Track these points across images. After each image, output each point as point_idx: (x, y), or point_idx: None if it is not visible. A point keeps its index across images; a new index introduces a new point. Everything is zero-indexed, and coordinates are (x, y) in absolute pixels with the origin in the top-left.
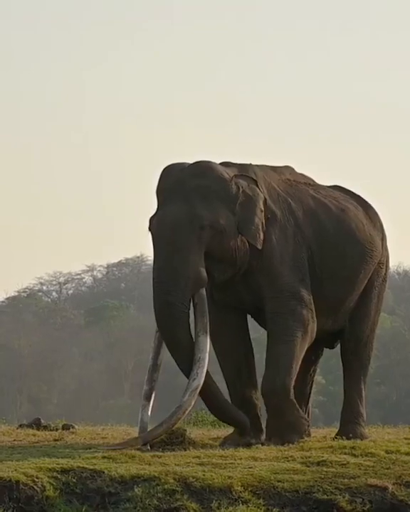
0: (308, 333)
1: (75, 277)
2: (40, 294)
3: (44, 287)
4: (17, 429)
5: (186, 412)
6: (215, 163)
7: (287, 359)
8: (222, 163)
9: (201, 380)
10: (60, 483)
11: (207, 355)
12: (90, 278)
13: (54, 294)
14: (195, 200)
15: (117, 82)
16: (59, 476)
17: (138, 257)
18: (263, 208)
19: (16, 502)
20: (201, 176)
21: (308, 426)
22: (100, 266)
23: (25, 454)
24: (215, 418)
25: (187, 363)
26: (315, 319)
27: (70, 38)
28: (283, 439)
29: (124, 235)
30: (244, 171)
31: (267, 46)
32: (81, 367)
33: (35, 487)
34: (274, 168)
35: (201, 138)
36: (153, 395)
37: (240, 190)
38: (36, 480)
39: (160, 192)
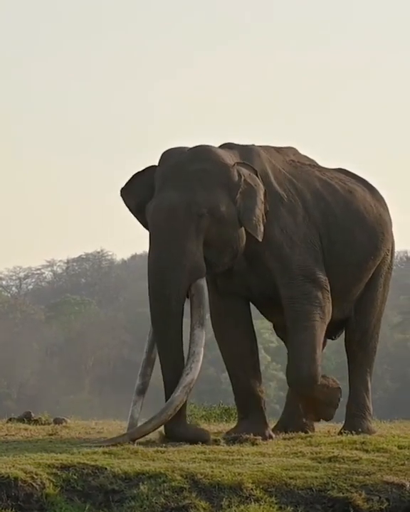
0: (326, 314)
1: (35, 272)
2: None
3: (4, 282)
4: (7, 422)
5: (177, 409)
6: (216, 148)
7: (309, 346)
8: (224, 145)
9: (194, 374)
10: (60, 480)
11: (202, 349)
12: (50, 273)
13: (14, 288)
14: (194, 185)
15: (107, 71)
16: (59, 472)
17: (98, 252)
18: (263, 200)
19: (14, 500)
20: (200, 160)
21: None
22: (60, 261)
23: (21, 449)
24: (205, 412)
25: (170, 360)
26: (331, 299)
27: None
28: (318, 415)
29: (84, 229)
30: (246, 156)
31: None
32: (41, 362)
33: (34, 484)
34: (278, 149)
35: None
36: (145, 391)
37: (242, 178)
38: (35, 477)
39: (158, 177)
